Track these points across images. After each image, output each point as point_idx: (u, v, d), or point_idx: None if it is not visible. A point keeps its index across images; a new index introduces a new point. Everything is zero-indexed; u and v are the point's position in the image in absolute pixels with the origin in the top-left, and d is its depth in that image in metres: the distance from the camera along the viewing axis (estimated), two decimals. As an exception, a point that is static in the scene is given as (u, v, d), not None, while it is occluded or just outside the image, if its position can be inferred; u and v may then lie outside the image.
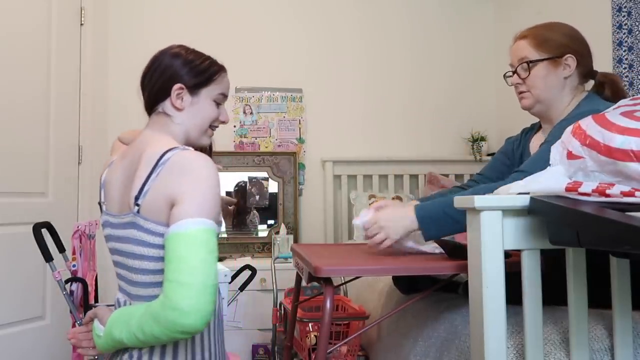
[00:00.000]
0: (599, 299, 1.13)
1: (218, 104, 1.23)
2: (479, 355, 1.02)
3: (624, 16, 2.50)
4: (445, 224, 1.33)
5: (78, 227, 2.04)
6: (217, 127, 1.26)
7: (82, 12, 3.02)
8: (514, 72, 1.54)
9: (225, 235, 3.23)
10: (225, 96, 1.24)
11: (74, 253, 2.02)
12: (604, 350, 1.09)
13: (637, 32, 2.46)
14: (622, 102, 1.08)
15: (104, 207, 1.20)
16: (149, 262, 1.07)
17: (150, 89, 1.21)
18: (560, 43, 1.46)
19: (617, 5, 2.52)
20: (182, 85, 1.17)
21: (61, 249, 2.07)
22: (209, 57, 1.24)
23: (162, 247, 1.04)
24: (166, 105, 1.18)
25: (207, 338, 1.13)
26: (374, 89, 3.57)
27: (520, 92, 1.53)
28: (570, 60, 1.45)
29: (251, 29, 3.45)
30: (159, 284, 1.07)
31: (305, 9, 3.53)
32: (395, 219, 1.40)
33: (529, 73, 1.48)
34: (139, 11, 3.35)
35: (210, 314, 0.95)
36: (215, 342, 1.16)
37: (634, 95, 1.24)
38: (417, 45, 3.63)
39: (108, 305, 1.21)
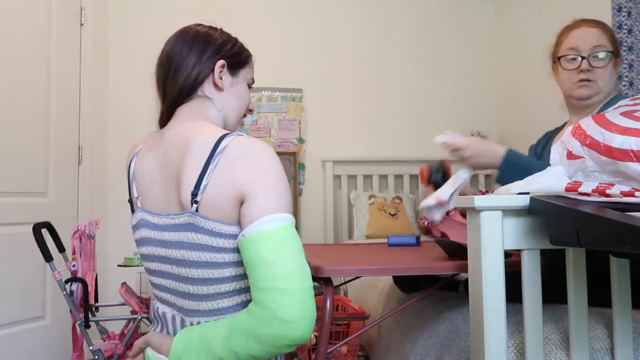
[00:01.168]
0: (599, 298, 1.13)
1: (250, 87, 1.11)
2: (480, 355, 1.02)
3: (624, 16, 2.50)
4: (522, 176, 1.33)
5: (78, 227, 2.04)
6: (245, 115, 1.13)
7: (82, 12, 3.02)
8: (584, 58, 1.43)
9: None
10: (253, 81, 1.12)
11: (74, 253, 2.01)
12: (605, 350, 1.09)
13: (637, 32, 2.46)
14: (622, 102, 1.08)
15: (138, 203, 1.03)
16: (212, 270, 0.91)
17: (186, 70, 1.01)
18: (617, 41, 1.45)
19: (617, 5, 2.52)
20: (225, 63, 1.03)
21: (61, 249, 2.07)
22: (237, 39, 1.10)
23: (228, 250, 0.91)
24: (205, 87, 1.03)
25: None
26: (374, 89, 3.57)
27: (583, 80, 1.43)
28: (620, 61, 1.45)
29: (251, 29, 3.45)
30: (225, 295, 0.93)
31: (305, 9, 3.53)
32: (486, 149, 1.42)
33: (608, 63, 1.41)
34: (139, 11, 3.35)
35: (315, 320, 0.83)
36: None
37: (634, 96, 1.24)
38: (418, 46, 3.63)
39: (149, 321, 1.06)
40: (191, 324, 0.95)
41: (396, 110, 3.59)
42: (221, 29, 1.10)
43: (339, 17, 3.56)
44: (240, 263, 0.91)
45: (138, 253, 1.07)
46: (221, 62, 1.03)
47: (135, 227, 1.04)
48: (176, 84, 1.02)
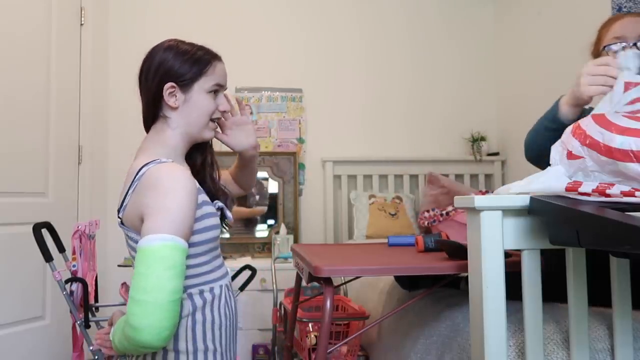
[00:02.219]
0: (599, 298, 1.13)
1: (216, 94, 1.18)
2: (480, 355, 1.02)
3: (624, 16, 2.50)
4: None
5: (78, 227, 2.04)
6: (219, 118, 1.21)
7: (82, 12, 3.02)
8: (634, 44, 1.36)
9: (227, 235, 3.22)
10: (221, 86, 1.19)
11: (74, 253, 2.01)
12: (605, 350, 1.09)
13: (637, 32, 2.46)
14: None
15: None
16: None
17: (146, 95, 1.20)
18: None
19: (617, 5, 2.52)
20: (173, 84, 1.13)
21: (61, 249, 2.07)
22: (199, 47, 1.18)
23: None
24: (164, 107, 1.17)
25: (191, 343, 1.09)
26: (374, 88, 3.57)
27: None
28: None
29: (251, 29, 3.45)
30: None
31: (305, 9, 3.53)
32: None
33: None
34: (139, 11, 3.35)
35: (168, 329, 0.95)
36: (212, 344, 1.12)
37: None
38: (417, 45, 3.63)
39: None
40: None
41: (396, 110, 3.59)
42: (181, 41, 1.20)
43: (338, 18, 3.56)
44: None
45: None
46: (168, 84, 1.14)
47: None
48: (144, 105, 1.22)
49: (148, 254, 0.96)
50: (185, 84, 1.14)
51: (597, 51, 1.50)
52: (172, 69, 1.14)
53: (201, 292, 1.12)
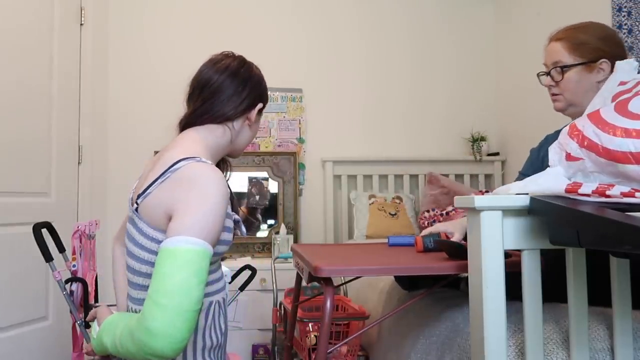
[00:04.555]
0: (599, 298, 1.13)
1: None
2: (480, 354, 1.02)
3: (624, 16, 2.50)
4: None
5: (78, 227, 2.04)
6: None
7: (82, 12, 3.02)
8: (548, 73, 1.53)
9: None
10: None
11: (74, 253, 2.01)
12: (605, 350, 1.09)
13: (637, 32, 2.46)
14: (612, 88, 1.08)
15: (129, 195, 1.18)
16: (136, 263, 1.05)
17: (234, 103, 1.16)
18: (595, 47, 1.45)
19: (617, 5, 2.53)
20: (263, 105, 1.21)
21: (61, 249, 2.07)
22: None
23: (151, 251, 1.03)
24: (238, 121, 1.18)
25: (193, 354, 1.07)
26: (374, 88, 3.57)
27: (553, 94, 1.52)
28: (605, 65, 1.43)
29: (251, 29, 3.45)
30: (138, 287, 1.06)
31: (305, 9, 3.53)
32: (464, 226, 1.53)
33: (562, 77, 1.47)
34: (139, 11, 3.35)
35: (183, 341, 0.89)
36: (206, 357, 1.10)
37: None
38: (417, 45, 3.63)
39: (110, 306, 1.19)
40: (128, 307, 1.10)
41: (396, 110, 3.59)
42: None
43: (338, 17, 3.56)
44: (153, 264, 1.02)
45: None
46: (260, 105, 1.20)
47: None
48: (219, 110, 1.15)
49: (177, 255, 0.91)
50: (263, 108, 1.23)
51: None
52: (265, 92, 1.23)
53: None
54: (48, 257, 1.88)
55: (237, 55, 1.24)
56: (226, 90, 1.16)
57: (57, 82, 2.79)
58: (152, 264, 1.03)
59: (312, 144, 3.48)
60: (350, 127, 3.53)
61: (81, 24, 3.02)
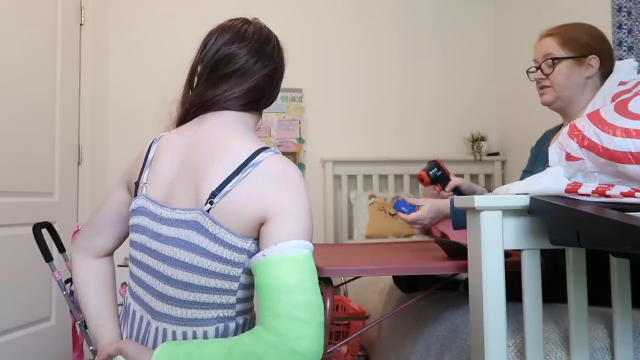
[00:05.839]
0: (599, 297, 1.13)
1: None
2: (480, 354, 1.02)
3: (624, 16, 2.50)
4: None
5: (78, 227, 2.04)
6: None
7: (82, 12, 3.02)
8: (538, 68, 1.56)
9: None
10: None
11: (74, 253, 2.01)
12: (605, 349, 1.09)
13: (637, 32, 2.46)
14: (612, 89, 1.08)
15: (144, 190, 0.98)
16: (199, 276, 0.88)
17: (270, 87, 1.08)
18: (585, 43, 1.48)
19: (617, 5, 2.52)
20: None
21: (61, 249, 2.07)
22: None
23: (225, 261, 0.88)
24: (268, 103, 1.10)
25: None
26: (374, 89, 3.57)
27: (542, 87, 1.54)
28: (594, 61, 1.46)
29: (251, 29, 3.45)
30: (202, 306, 0.89)
31: (305, 8, 3.53)
32: (439, 209, 1.59)
33: (553, 69, 1.49)
34: (139, 11, 3.35)
35: (321, 356, 0.79)
36: None
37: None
38: (418, 45, 3.63)
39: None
40: (158, 330, 0.91)
41: (396, 110, 3.59)
42: None
43: (339, 17, 3.56)
44: (232, 277, 0.88)
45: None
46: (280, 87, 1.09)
47: (133, 213, 0.99)
48: (268, 94, 1.07)
49: (301, 263, 0.81)
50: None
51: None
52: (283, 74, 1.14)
53: (252, 318, 0.97)
54: (48, 257, 1.88)
55: (261, 25, 1.17)
56: (268, 73, 1.05)
57: (57, 82, 2.79)
58: (226, 277, 0.88)
59: (312, 144, 3.48)
60: (350, 127, 3.53)
61: (81, 24, 3.02)
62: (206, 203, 0.87)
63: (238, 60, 1.01)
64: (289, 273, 0.80)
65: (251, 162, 0.88)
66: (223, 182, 0.87)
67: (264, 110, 1.16)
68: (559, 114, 1.57)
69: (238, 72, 1.01)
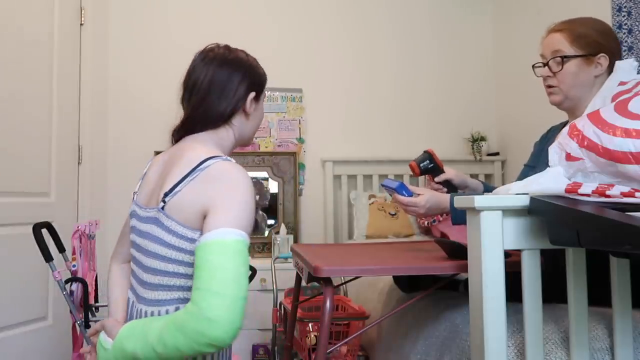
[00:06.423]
0: (599, 298, 1.13)
1: None
2: (480, 355, 1.02)
3: (624, 16, 2.50)
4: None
5: (78, 227, 2.04)
6: None
7: (82, 12, 3.02)
8: (545, 64, 1.50)
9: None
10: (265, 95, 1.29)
11: (74, 253, 2.01)
12: (604, 349, 1.09)
13: (637, 32, 2.46)
14: (611, 89, 1.08)
15: (135, 197, 1.19)
16: (159, 262, 1.05)
17: (226, 100, 1.15)
18: (595, 41, 1.44)
19: (617, 5, 2.52)
20: (255, 93, 1.19)
21: (61, 249, 2.07)
22: (255, 59, 1.26)
23: (178, 249, 1.03)
24: (236, 117, 1.17)
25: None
26: (374, 88, 3.57)
27: (550, 86, 1.50)
28: (603, 60, 1.43)
29: (251, 29, 3.45)
30: (164, 288, 1.05)
31: (305, 8, 3.53)
32: (438, 201, 1.55)
33: (562, 68, 1.45)
34: (139, 11, 3.35)
35: (240, 328, 0.92)
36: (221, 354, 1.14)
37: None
38: (417, 45, 3.63)
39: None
40: (138, 311, 1.09)
41: (396, 110, 3.59)
42: (249, 55, 1.24)
43: (339, 17, 3.56)
44: (186, 263, 1.04)
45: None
46: (252, 94, 1.18)
47: (129, 216, 1.19)
48: (213, 113, 1.14)
49: (224, 247, 0.94)
50: (259, 94, 1.21)
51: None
52: (255, 79, 1.20)
53: None
54: (48, 257, 1.88)
55: (222, 45, 1.22)
56: (215, 89, 1.15)
57: (57, 82, 2.79)
58: (181, 263, 1.04)
59: (312, 144, 3.48)
60: (350, 127, 3.53)
61: (81, 24, 3.02)
62: (160, 202, 1.05)
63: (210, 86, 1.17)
64: (213, 254, 0.94)
65: (199, 167, 1.04)
66: (175, 184, 1.04)
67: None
68: (567, 113, 1.54)
69: (184, 97, 1.20)
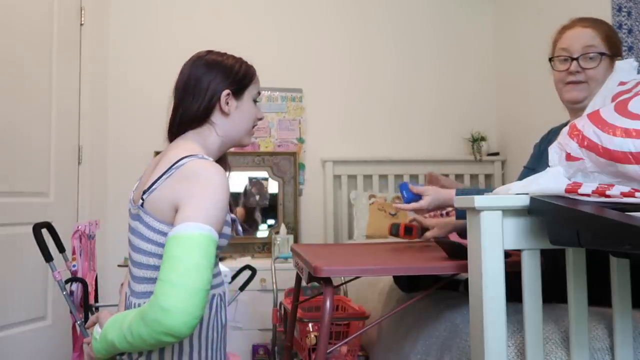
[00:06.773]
0: (599, 298, 1.13)
1: (256, 102, 1.26)
2: (480, 355, 1.02)
3: (624, 16, 2.50)
4: None
5: (78, 227, 2.05)
6: (256, 125, 1.29)
7: (82, 12, 3.02)
8: (575, 59, 1.42)
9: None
10: (259, 94, 1.28)
11: (74, 253, 2.02)
12: (604, 349, 1.09)
13: (637, 32, 2.46)
14: (612, 88, 1.08)
15: (131, 196, 1.23)
16: (142, 256, 1.10)
17: (197, 100, 1.19)
18: (618, 42, 1.41)
19: (617, 5, 2.52)
20: (229, 91, 1.19)
21: (61, 249, 2.07)
22: (240, 58, 1.26)
23: (158, 244, 1.08)
24: (215, 114, 1.20)
25: (198, 344, 1.12)
26: (374, 88, 3.57)
27: (574, 82, 1.41)
28: (615, 63, 1.42)
29: (251, 29, 3.45)
30: (151, 281, 1.09)
31: (305, 8, 3.53)
32: (442, 198, 1.55)
33: (599, 64, 1.39)
34: (139, 11, 3.35)
35: (197, 318, 0.93)
36: (209, 348, 1.14)
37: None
38: (418, 45, 3.63)
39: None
40: (130, 304, 1.13)
41: (396, 110, 3.59)
42: (230, 55, 1.25)
43: (339, 17, 3.56)
44: (160, 256, 1.07)
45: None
46: (226, 91, 1.18)
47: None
48: (188, 114, 1.19)
49: (186, 240, 0.96)
50: (239, 92, 1.21)
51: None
52: (229, 76, 1.20)
53: None
54: (48, 257, 1.88)
55: (210, 50, 1.25)
56: (189, 88, 1.19)
57: (57, 82, 2.79)
58: (159, 256, 1.07)
59: (312, 144, 3.48)
60: (350, 127, 3.53)
61: (81, 24, 3.02)
62: (140, 199, 1.10)
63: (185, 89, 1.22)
64: (175, 247, 0.96)
65: (175, 165, 1.07)
66: (153, 182, 1.08)
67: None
68: (571, 112, 1.49)
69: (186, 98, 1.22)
